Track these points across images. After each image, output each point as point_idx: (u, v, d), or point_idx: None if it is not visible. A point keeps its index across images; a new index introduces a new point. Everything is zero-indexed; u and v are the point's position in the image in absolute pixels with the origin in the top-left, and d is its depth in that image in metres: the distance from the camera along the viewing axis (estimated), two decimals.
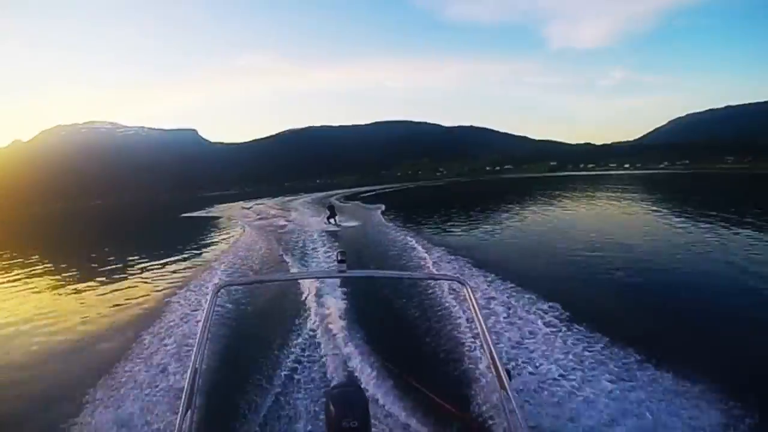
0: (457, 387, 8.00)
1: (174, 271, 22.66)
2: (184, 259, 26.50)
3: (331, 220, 36.96)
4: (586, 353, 9.26)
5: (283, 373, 9.11)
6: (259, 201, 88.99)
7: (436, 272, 17.45)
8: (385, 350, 9.44)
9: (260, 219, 48.07)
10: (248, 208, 68.23)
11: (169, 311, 14.21)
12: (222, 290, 13.79)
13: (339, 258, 3.76)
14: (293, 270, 19.76)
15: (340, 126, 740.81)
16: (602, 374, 8.32)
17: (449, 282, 14.07)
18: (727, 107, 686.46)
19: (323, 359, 9.67)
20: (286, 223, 41.19)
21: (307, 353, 10.07)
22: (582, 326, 10.70)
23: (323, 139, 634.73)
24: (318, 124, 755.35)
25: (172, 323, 12.94)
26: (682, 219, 32.57)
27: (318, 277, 15.86)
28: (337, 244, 26.06)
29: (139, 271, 23.58)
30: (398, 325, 11.57)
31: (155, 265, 25.11)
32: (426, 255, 20.49)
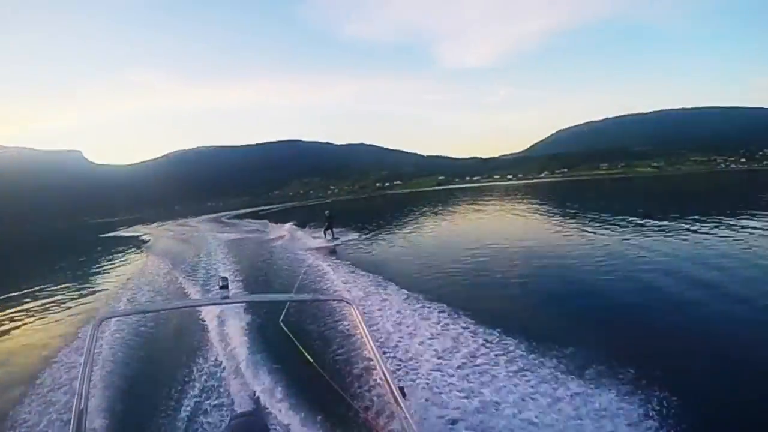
0: (358, 408, 7.48)
1: (61, 304, 20.31)
2: (71, 291, 23.59)
3: (328, 233, 32.66)
4: (483, 361, 9.23)
5: (180, 407, 8.62)
6: (149, 225, 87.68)
7: (323, 293, 16.61)
8: (285, 376, 9.18)
9: (161, 241, 47.89)
10: (146, 233, 65.18)
11: (52, 348, 13.04)
12: (109, 323, 13.68)
13: (221, 284, 3.62)
14: (194, 296, 18.74)
15: (230, 146, 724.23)
16: (501, 381, 8.30)
17: (338, 302, 13.74)
18: (605, 119, 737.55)
19: (221, 389, 9.24)
20: (185, 245, 40.09)
21: (205, 384, 9.51)
22: (476, 333, 10.79)
23: (213, 160, 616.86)
24: (207, 144, 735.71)
25: (54, 361, 11.79)
26: (555, 220, 36.83)
27: (200, 305, 15.35)
28: (235, 264, 24.96)
29: (16, 307, 20.64)
30: (296, 349, 10.56)
31: (33, 298, 22.39)
32: (324, 273, 19.94)
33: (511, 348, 9.58)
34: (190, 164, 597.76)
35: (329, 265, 21.07)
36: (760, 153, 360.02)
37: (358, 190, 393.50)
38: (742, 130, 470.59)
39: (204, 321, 13.61)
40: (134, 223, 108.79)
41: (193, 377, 9.77)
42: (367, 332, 3.62)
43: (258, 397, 8.54)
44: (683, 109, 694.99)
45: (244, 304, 14.14)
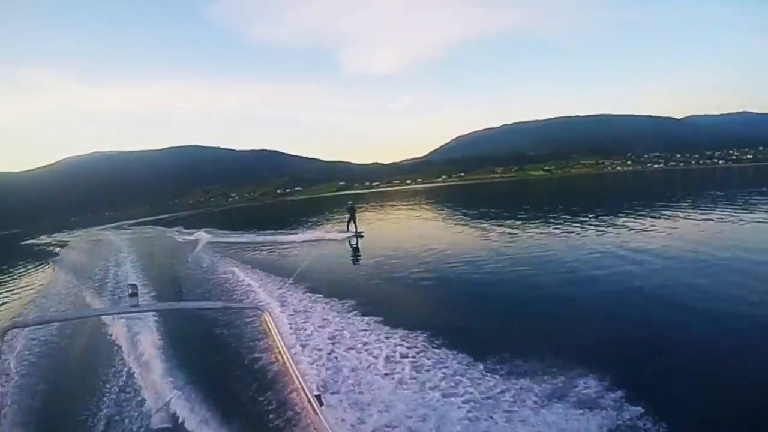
0: (274, 419, 7.56)
1: None
2: None
3: (351, 226, 31.41)
4: (404, 366, 9.06)
5: (95, 422, 8.31)
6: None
7: (235, 301, 16.22)
8: (200, 387, 8.92)
9: (70, 252, 46.15)
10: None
11: None
12: (14, 333, 12.88)
13: (130, 292, 3.50)
14: (103, 305, 18.07)
15: (128, 151, 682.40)
16: (423, 387, 8.14)
17: (251, 310, 13.42)
18: (503, 126, 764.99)
19: (137, 402, 8.86)
20: (94, 254, 39.07)
21: (119, 397, 9.12)
22: (396, 335, 10.74)
23: (111, 166, 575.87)
24: (105, 149, 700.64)
25: None
26: (457, 220, 40.85)
27: (109, 314, 14.43)
28: (145, 272, 24.61)
29: None
30: (210, 359, 11.04)
31: None
32: (238, 277, 20.01)
33: (431, 352, 9.62)
34: (86, 170, 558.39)
35: (249, 274, 20.53)
36: (645, 156, 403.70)
37: (259, 197, 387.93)
38: (630, 135, 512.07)
39: (115, 331, 13.10)
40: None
41: (106, 390, 9.41)
42: (281, 340, 3.54)
43: (174, 410, 8.23)
44: (577, 116, 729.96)
45: (156, 313, 13.75)
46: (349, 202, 33.53)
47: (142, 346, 11.65)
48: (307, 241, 30.68)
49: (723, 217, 28.07)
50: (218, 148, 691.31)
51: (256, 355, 10.32)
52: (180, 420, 7.89)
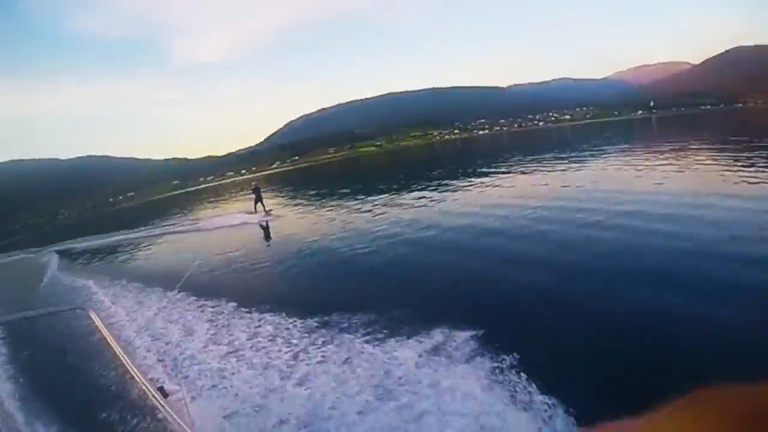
0: (119, 420, 7.12)
1: None
2: None
3: (258, 207, 31.16)
4: (249, 346, 8.91)
5: None
6: None
7: (57, 304, 15.19)
8: (41, 399, 8.64)
9: None
10: None
11: None
12: None
13: None
14: None
15: None
16: (274, 365, 7.93)
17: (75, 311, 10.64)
18: (338, 105, 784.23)
19: None
20: None
21: None
22: (231, 315, 10.72)
23: None
24: None
25: None
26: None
27: None
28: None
29: None
30: (45, 369, 10.40)
31: None
32: (67, 283, 19.31)
33: (276, 326, 9.53)
34: None
35: (75, 275, 20.20)
36: (472, 123, 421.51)
37: (91, 209, 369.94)
38: (458, 106, 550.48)
39: None
40: None
41: None
42: (111, 338, 3.42)
43: (10, 422, 7.89)
44: (406, 91, 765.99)
45: None
46: (254, 184, 33.93)
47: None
48: (210, 228, 30.68)
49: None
50: (39, 159, 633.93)
51: (89, 357, 9.69)
52: None
